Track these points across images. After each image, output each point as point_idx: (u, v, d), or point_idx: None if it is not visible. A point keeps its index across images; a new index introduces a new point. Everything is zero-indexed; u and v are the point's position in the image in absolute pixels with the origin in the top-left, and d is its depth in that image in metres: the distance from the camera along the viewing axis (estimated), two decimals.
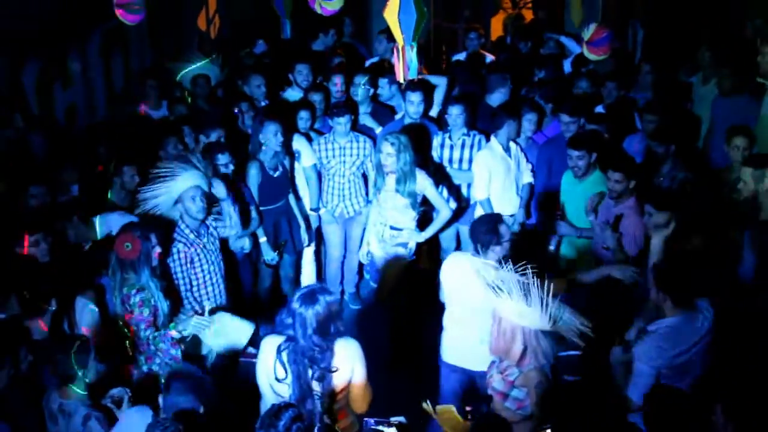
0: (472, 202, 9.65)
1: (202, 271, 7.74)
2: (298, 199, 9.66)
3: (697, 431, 5.20)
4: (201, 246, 7.72)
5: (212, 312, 7.30)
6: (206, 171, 7.75)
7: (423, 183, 8.65)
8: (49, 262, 7.37)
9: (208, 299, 7.72)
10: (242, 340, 7.37)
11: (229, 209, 8.00)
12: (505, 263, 6.37)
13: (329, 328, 5.71)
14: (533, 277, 5.71)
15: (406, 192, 8.58)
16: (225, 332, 7.32)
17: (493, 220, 7.15)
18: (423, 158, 9.12)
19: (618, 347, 6.22)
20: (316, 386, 5.72)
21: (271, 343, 5.81)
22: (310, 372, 5.70)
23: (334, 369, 5.70)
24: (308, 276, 10.07)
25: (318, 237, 10.13)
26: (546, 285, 5.61)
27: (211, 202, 7.81)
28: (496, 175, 9.38)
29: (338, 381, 5.77)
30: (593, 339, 5.78)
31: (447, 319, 7.36)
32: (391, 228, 8.77)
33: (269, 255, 9.23)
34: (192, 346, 7.25)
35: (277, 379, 5.77)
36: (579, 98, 10.26)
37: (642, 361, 6.13)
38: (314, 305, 5.67)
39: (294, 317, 5.71)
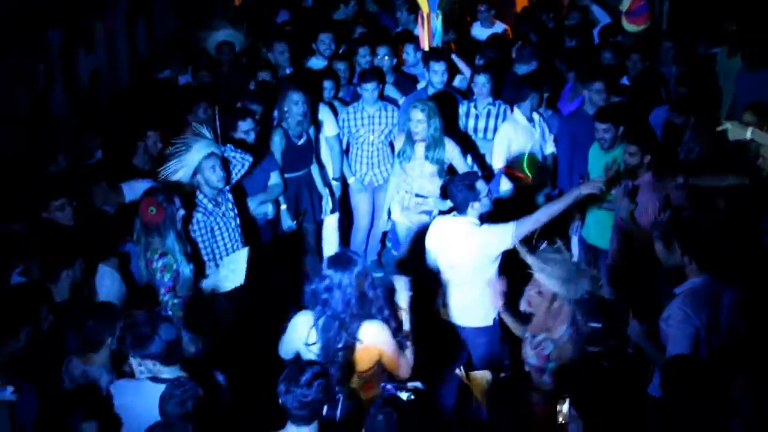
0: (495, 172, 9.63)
1: (222, 239, 7.76)
2: (321, 168, 9.65)
3: (715, 401, 5.20)
4: (220, 215, 7.74)
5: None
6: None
7: (452, 150, 8.67)
8: (73, 227, 7.38)
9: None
10: (242, 264, 7.47)
11: (232, 153, 8.05)
12: (486, 221, 6.75)
13: (365, 292, 5.78)
14: (568, 250, 5.74)
15: (435, 159, 8.59)
16: (229, 272, 7.42)
17: (468, 177, 7.19)
18: (449, 127, 9.06)
19: (634, 320, 6.20)
20: (341, 356, 5.75)
21: (306, 315, 5.87)
22: (338, 339, 5.73)
23: (359, 339, 5.72)
24: (331, 245, 10.05)
25: (342, 206, 10.12)
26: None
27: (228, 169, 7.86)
28: (517, 146, 9.35)
29: (362, 359, 5.81)
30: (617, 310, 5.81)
31: (442, 276, 7.37)
32: (416, 195, 8.78)
33: (288, 223, 9.25)
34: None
35: (307, 344, 5.81)
36: (603, 69, 10.19)
37: (672, 326, 6.13)
38: (350, 268, 5.73)
39: (329, 283, 5.75)
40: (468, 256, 7.02)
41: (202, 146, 7.66)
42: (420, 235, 8.35)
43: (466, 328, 7.33)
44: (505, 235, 6.87)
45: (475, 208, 7.03)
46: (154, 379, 5.48)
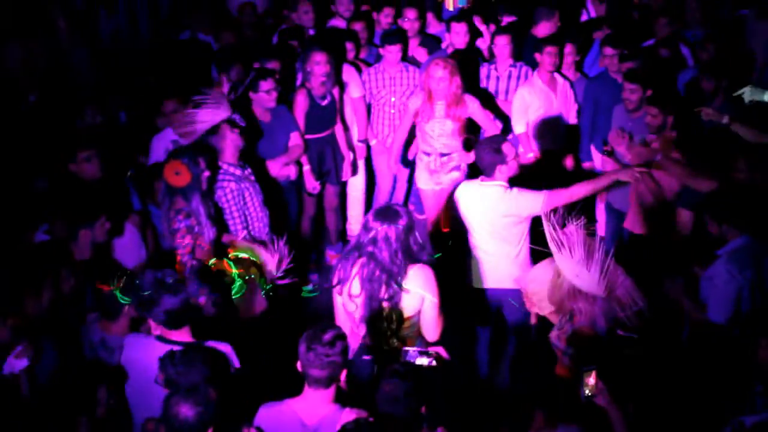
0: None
1: (253, 204, 7.77)
2: (346, 129, 9.61)
3: (740, 367, 5.19)
4: (248, 180, 7.75)
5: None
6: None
7: (471, 105, 8.62)
8: (95, 184, 7.40)
9: (258, 232, 7.77)
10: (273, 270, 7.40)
11: None
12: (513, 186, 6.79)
13: (411, 245, 5.78)
14: (599, 240, 5.70)
15: (456, 116, 8.55)
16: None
17: (495, 140, 7.17)
18: (469, 86, 8.99)
19: (670, 278, 6.21)
20: (386, 306, 5.78)
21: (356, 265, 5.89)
22: (383, 290, 5.75)
23: (405, 289, 5.74)
24: (356, 206, 10.07)
25: (367, 168, 10.10)
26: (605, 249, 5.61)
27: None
28: (536, 110, 9.33)
29: (408, 306, 5.81)
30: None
31: (471, 240, 7.38)
32: (441, 155, 8.74)
33: (311, 184, 9.24)
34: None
35: (350, 295, 5.85)
36: (627, 31, 10.09)
37: (715, 286, 6.14)
38: (396, 221, 5.75)
39: (375, 235, 5.77)
40: (497, 217, 7.01)
41: (223, 109, 7.65)
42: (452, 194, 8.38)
43: (497, 290, 7.32)
44: (536, 202, 6.86)
45: (503, 171, 7.01)
46: (161, 338, 5.49)
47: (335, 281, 5.95)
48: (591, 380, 5.17)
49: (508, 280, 7.13)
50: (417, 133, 8.95)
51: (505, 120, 9.58)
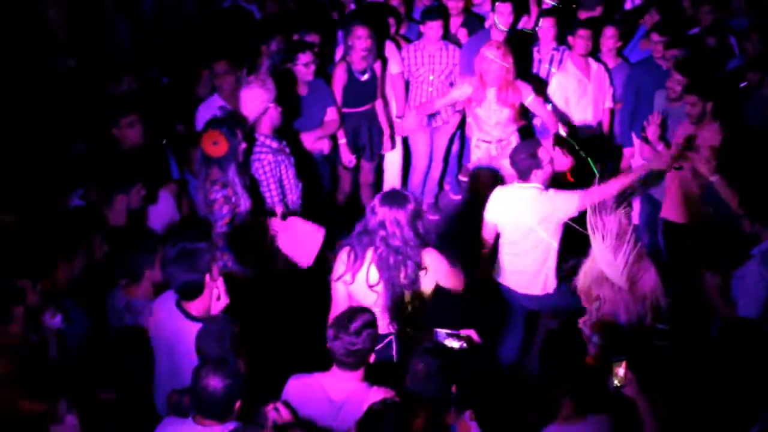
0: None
1: (288, 176, 7.74)
2: (386, 105, 9.57)
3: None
4: (284, 152, 7.72)
5: (284, 217, 7.33)
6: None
7: (526, 94, 8.55)
8: (133, 151, 7.41)
9: (293, 204, 7.77)
10: (314, 247, 7.37)
11: None
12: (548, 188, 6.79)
13: (418, 229, 5.79)
14: (632, 231, 5.68)
15: (509, 102, 8.49)
16: (298, 240, 7.35)
17: (531, 146, 7.19)
18: (521, 70, 8.90)
19: (709, 273, 6.17)
20: (407, 292, 5.79)
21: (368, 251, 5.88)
22: (403, 274, 5.76)
23: (423, 267, 5.78)
24: (392, 183, 10.01)
25: (404, 147, 10.07)
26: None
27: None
28: (570, 97, 9.34)
29: (426, 287, 5.86)
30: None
31: (502, 248, 7.37)
32: (500, 141, 8.69)
33: (347, 157, 9.22)
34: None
35: (369, 285, 5.83)
36: (675, 18, 9.97)
37: (747, 285, 6.12)
38: (405, 205, 5.77)
39: (383, 219, 5.77)
40: (534, 221, 7.00)
41: (272, 86, 7.65)
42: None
43: (529, 295, 7.32)
44: (571, 202, 6.87)
45: (538, 176, 7.02)
46: (179, 305, 5.45)
47: (344, 272, 5.94)
48: (621, 370, 5.14)
49: (536, 286, 7.18)
50: (470, 120, 8.92)
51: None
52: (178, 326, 5.38)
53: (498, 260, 7.38)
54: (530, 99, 8.55)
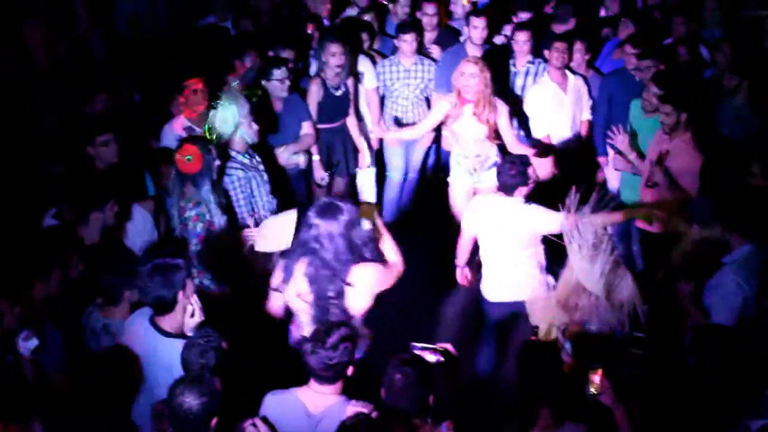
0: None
1: (260, 194, 7.72)
2: (360, 120, 9.60)
3: (744, 369, 5.17)
4: (256, 169, 7.72)
5: (256, 224, 7.34)
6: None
7: (501, 110, 8.48)
8: (108, 169, 7.39)
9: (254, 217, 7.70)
10: (290, 228, 7.36)
11: None
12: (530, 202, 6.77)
13: (354, 240, 5.81)
14: (608, 240, 5.69)
15: (486, 119, 8.41)
16: (271, 233, 7.33)
17: (520, 162, 7.14)
18: (498, 86, 8.86)
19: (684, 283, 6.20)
20: (333, 305, 5.81)
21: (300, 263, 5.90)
22: (330, 288, 5.79)
23: (350, 284, 5.76)
24: (367, 198, 9.99)
25: (378, 160, 10.08)
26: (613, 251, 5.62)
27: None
28: (546, 111, 9.36)
29: (357, 304, 5.86)
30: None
31: (482, 256, 7.39)
32: (477, 156, 8.65)
33: (319, 174, 9.22)
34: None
35: (298, 294, 5.88)
36: (648, 29, 10.04)
37: (721, 294, 6.15)
38: (338, 217, 5.77)
39: (317, 232, 5.79)
40: (515, 231, 7.01)
41: (243, 102, 7.65)
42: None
43: (504, 303, 7.29)
44: (554, 221, 6.83)
45: (522, 192, 7.04)
46: (152, 321, 5.50)
47: (278, 282, 5.99)
48: (597, 378, 5.17)
49: (516, 293, 7.13)
50: (447, 134, 8.95)
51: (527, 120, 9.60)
52: (152, 342, 5.42)
53: (481, 271, 7.39)
54: (502, 120, 8.47)
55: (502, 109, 8.49)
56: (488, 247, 7.27)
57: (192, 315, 5.46)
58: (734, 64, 8.93)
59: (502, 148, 8.64)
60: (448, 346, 5.67)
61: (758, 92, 8.66)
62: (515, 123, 9.23)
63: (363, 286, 5.82)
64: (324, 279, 5.78)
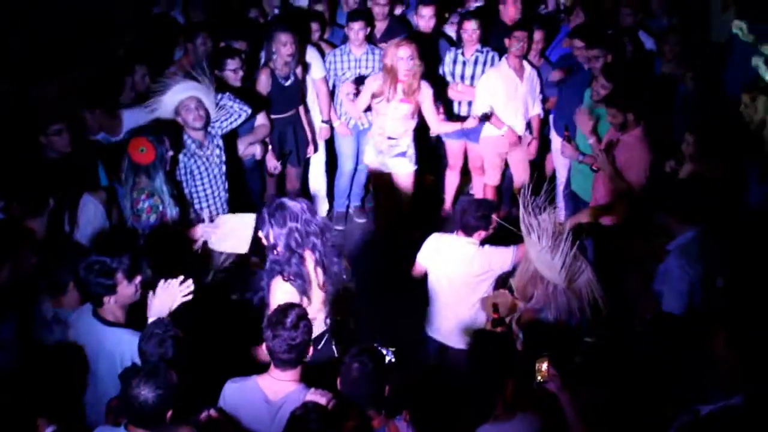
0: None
1: (203, 183, 7.73)
2: (307, 111, 9.63)
3: (695, 358, 5.24)
4: (203, 158, 7.70)
5: (212, 220, 7.31)
6: (204, 80, 7.76)
7: (426, 93, 8.66)
8: (58, 161, 7.32)
9: (209, 211, 7.71)
10: (247, 232, 7.35)
11: (230, 102, 8.06)
12: (484, 244, 6.87)
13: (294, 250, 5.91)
14: (568, 232, 5.74)
15: (411, 99, 8.60)
16: (229, 233, 7.32)
17: (486, 207, 7.17)
18: (428, 70, 9.01)
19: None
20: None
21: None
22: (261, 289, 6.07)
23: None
24: (318, 188, 10.12)
25: (329, 150, 10.11)
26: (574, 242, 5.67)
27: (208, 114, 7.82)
28: (499, 96, 9.33)
29: None
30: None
31: (431, 294, 7.41)
32: (389, 138, 8.79)
33: (271, 164, 9.23)
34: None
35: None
36: (596, 19, 10.11)
37: (668, 281, 6.24)
38: (286, 223, 5.89)
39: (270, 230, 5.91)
40: (469, 275, 7.02)
41: (182, 87, 7.63)
42: (393, 182, 8.60)
43: (457, 349, 7.25)
44: (506, 258, 6.92)
45: (481, 236, 7.06)
46: (95, 314, 5.59)
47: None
48: (544, 366, 5.24)
49: (457, 338, 7.17)
50: (373, 112, 8.95)
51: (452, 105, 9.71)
52: (96, 333, 5.51)
53: (428, 311, 7.44)
54: (427, 102, 8.68)
55: (428, 91, 8.67)
56: (436, 285, 7.28)
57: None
58: (680, 54, 9.04)
59: (418, 136, 8.92)
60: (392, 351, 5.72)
61: (702, 83, 8.81)
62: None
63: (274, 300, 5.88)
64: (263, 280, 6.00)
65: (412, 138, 8.92)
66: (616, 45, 9.29)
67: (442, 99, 9.46)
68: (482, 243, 7.04)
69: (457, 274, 7.05)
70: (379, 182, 9.17)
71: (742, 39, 9.07)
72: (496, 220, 7.05)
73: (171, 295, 5.70)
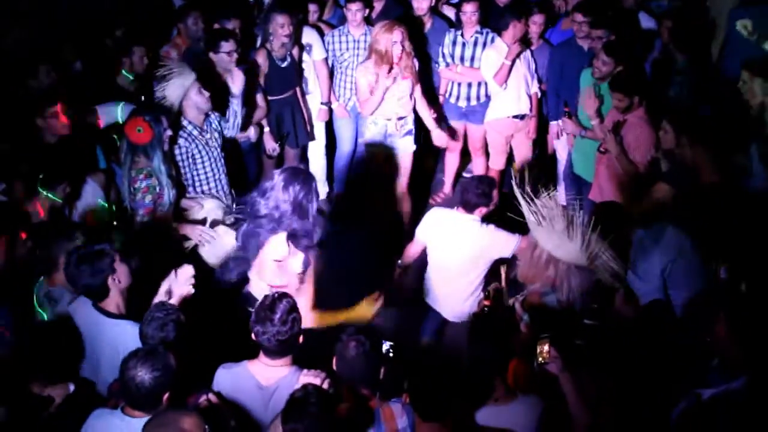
0: (481, 101, 9.65)
1: (203, 167, 7.65)
2: (306, 93, 9.59)
3: (696, 342, 5.22)
4: (203, 142, 7.63)
5: (213, 225, 7.27)
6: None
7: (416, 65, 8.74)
8: (58, 145, 7.31)
9: (217, 192, 7.69)
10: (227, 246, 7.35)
11: (237, 108, 8.04)
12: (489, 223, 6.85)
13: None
14: (579, 210, 5.69)
15: (411, 74, 8.62)
16: (220, 249, 7.29)
17: (487, 184, 7.20)
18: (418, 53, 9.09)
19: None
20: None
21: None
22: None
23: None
24: (318, 170, 10.05)
25: (328, 132, 10.07)
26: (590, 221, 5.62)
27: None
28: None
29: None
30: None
31: (430, 269, 7.46)
32: (399, 118, 8.77)
33: (270, 145, 9.17)
34: None
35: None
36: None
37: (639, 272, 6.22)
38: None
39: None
40: (466, 252, 7.06)
41: (185, 75, 7.54)
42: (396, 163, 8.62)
43: (453, 322, 7.39)
44: (508, 245, 6.96)
45: (482, 212, 7.09)
46: (95, 305, 5.59)
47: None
48: (545, 348, 5.21)
49: (455, 313, 7.26)
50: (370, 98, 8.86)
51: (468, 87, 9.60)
52: (97, 324, 5.52)
53: (425, 282, 7.47)
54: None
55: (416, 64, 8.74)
56: (435, 260, 7.31)
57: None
58: (676, 37, 9.03)
59: (418, 118, 8.91)
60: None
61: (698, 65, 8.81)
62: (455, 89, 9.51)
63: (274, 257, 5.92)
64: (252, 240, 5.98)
65: (413, 117, 8.91)
66: (619, 26, 9.27)
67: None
68: (483, 220, 7.04)
69: (458, 249, 7.09)
70: (381, 163, 9.07)
71: (745, 38, 8.95)
72: (496, 197, 7.07)
73: (187, 280, 5.73)
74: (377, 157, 9.02)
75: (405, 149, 8.99)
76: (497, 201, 7.13)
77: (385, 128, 8.83)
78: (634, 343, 5.65)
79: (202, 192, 7.63)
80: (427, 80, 9.54)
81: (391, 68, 8.50)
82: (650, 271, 6.37)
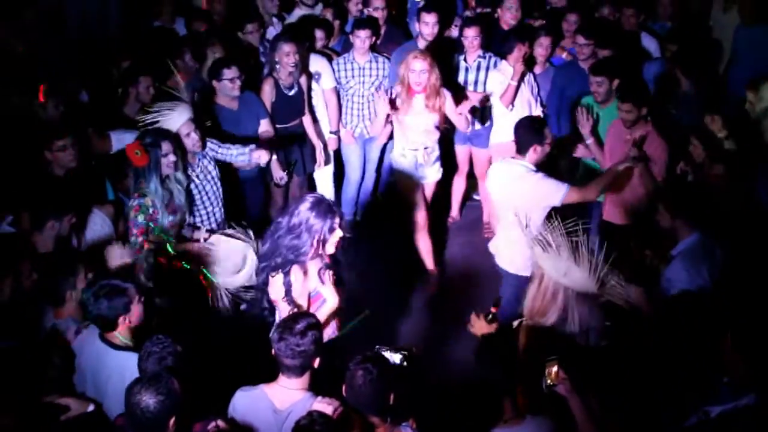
0: (485, 124, 9.66)
1: (201, 199, 7.75)
2: (315, 121, 9.59)
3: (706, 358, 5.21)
4: (193, 178, 7.68)
5: (206, 239, 7.31)
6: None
7: (446, 95, 8.66)
8: (66, 177, 7.35)
9: (203, 225, 7.77)
10: (236, 259, 7.36)
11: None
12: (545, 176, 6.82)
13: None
14: (584, 237, 5.67)
15: (436, 108, 8.56)
16: (223, 258, 7.30)
17: (538, 121, 7.35)
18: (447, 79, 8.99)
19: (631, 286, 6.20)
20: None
21: None
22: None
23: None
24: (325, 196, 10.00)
25: (336, 160, 10.08)
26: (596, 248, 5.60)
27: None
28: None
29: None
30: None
31: (498, 227, 7.61)
32: (425, 148, 8.77)
33: (278, 174, 9.17)
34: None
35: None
36: (598, 22, 10.12)
37: (675, 287, 6.16)
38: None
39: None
40: (517, 198, 7.05)
41: (179, 113, 7.58)
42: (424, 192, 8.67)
43: (505, 271, 7.44)
44: (557, 192, 6.97)
45: (537, 152, 7.11)
46: (101, 336, 5.62)
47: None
48: (553, 370, 5.19)
49: (514, 264, 7.26)
50: (396, 129, 8.90)
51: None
52: (102, 356, 5.56)
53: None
54: (448, 104, 8.64)
55: (447, 94, 8.67)
56: (497, 210, 7.47)
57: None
58: (682, 61, 9.03)
59: (442, 139, 8.91)
60: (413, 348, 5.67)
61: (702, 83, 8.84)
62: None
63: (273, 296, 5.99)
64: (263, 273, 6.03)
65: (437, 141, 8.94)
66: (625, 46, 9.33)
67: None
68: (536, 168, 7.11)
69: (510, 196, 7.14)
70: (416, 197, 9.01)
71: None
72: (550, 134, 7.17)
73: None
74: (407, 187, 8.98)
75: (433, 177, 9.04)
76: (551, 140, 7.18)
77: (415, 159, 8.80)
78: (645, 362, 5.62)
79: (194, 221, 7.71)
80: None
81: (410, 95, 8.51)
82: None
